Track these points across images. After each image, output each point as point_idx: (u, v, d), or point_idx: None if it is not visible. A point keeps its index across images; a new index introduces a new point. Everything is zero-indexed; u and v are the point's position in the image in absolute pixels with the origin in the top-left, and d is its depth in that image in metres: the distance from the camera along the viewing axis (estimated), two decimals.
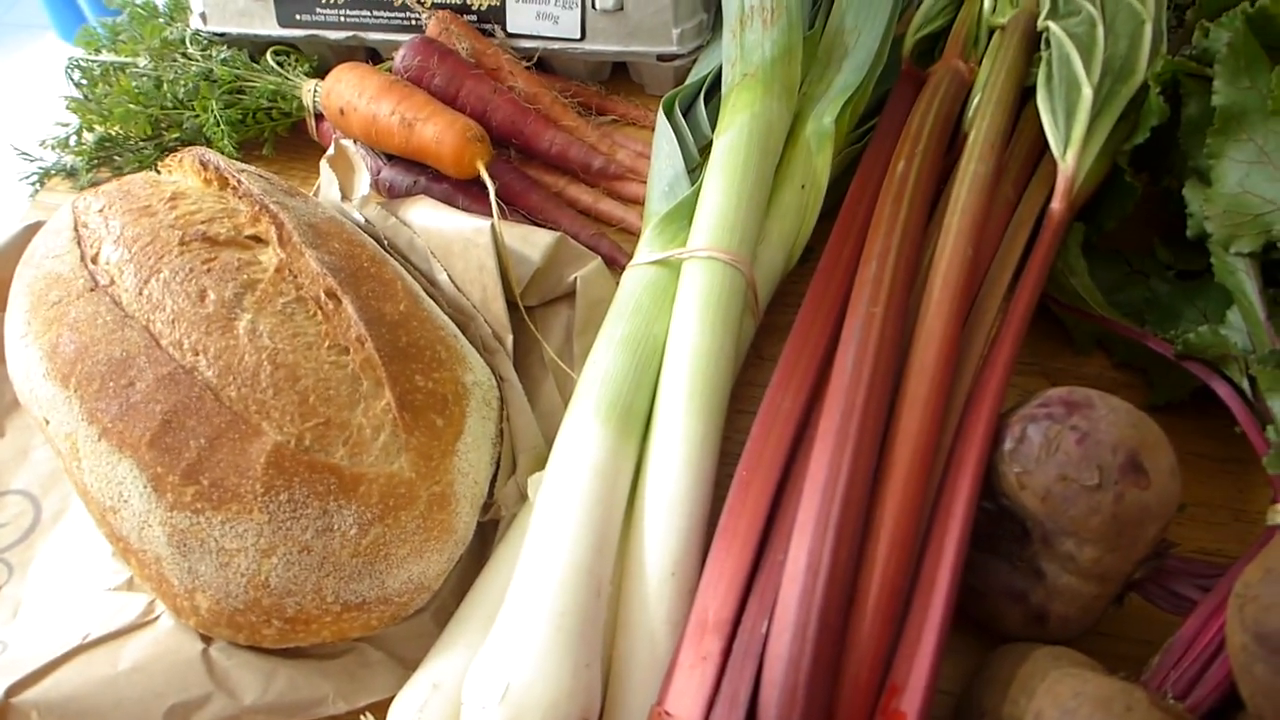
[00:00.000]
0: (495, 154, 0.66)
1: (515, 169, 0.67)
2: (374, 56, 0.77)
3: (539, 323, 0.60)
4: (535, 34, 0.71)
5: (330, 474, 0.44)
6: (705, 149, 0.59)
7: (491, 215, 0.57)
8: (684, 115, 0.62)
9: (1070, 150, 0.50)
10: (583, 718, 0.40)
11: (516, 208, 0.66)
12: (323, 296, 0.48)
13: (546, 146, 0.67)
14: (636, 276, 0.54)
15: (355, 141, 0.65)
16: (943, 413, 0.44)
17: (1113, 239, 0.60)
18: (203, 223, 0.51)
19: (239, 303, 0.47)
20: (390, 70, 0.68)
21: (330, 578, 0.44)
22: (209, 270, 0.48)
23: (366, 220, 0.60)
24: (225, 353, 0.45)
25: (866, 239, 0.49)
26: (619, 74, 0.77)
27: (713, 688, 0.39)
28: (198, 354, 0.45)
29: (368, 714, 0.44)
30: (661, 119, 0.60)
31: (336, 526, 0.44)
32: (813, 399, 0.46)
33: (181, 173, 0.58)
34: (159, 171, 0.59)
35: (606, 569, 0.44)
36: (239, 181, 0.54)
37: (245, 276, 0.48)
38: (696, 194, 0.55)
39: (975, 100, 0.56)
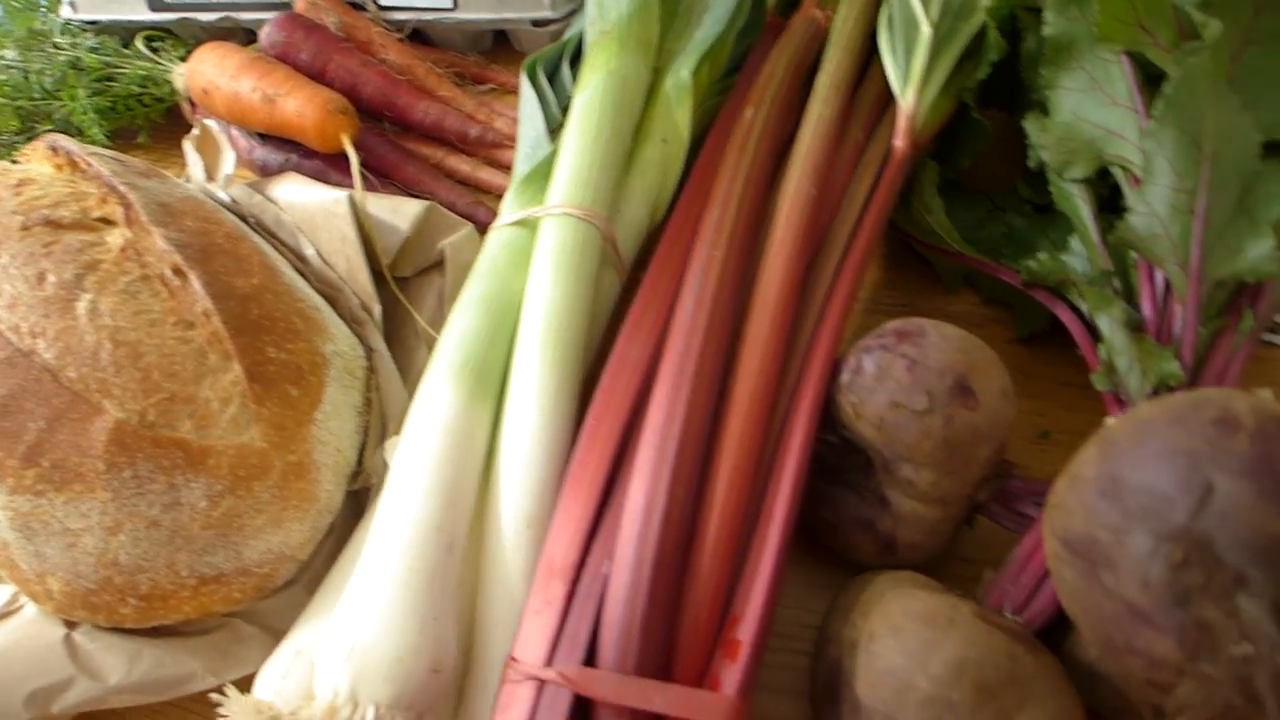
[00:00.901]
0: (368, 127, 0.65)
1: (389, 141, 0.66)
2: (252, 38, 0.76)
3: (413, 292, 0.59)
4: (407, 5, 0.71)
5: (176, 448, 0.44)
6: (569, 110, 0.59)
7: (366, 189, 0.57)
8: (550, 78, 0.62)
9: (909, 88, 0.50)
10: (432, 669, 0.41)
11: (392, 180, 0.65)
12: (169, 273, 0.48)
13: (420, 117, 0.66)
14: (497, 238, 0.53)
15: (222, 122, 0.64)
16: (783, 350, 0.45)
17: (980, 179, 0.61)
18: (47, 207, 0.50)
19: (79, 283, 0.46)
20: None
21: (182, 552, 0.44)
22: (49, 253, 0.47)
23: (232, 199, 0.59)
24: (64, 334, 0.45)
25: (713, 186, 0.49)
26: (502, 43, 0.77)
27: (556, 631, 0.40)
28: (36, 337, 0.45)
29: (229, 686, 0.44)
30: (524, 82, 0.60)
31: (185, 500, 0.43)
32: (660, 345, 0.46)
33: (37, 160, 0.57)
34: (16, 162, 0.58)
35: (459, 525, 0.44)
36: (89, 164, 0.53)
37: (87, 257, 0.48)
38: (555, 154, 0.55)
39: (828, 47, 0.56)
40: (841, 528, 0.46)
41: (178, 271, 0.48)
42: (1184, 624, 0.31)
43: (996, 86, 0.55)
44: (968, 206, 0.58)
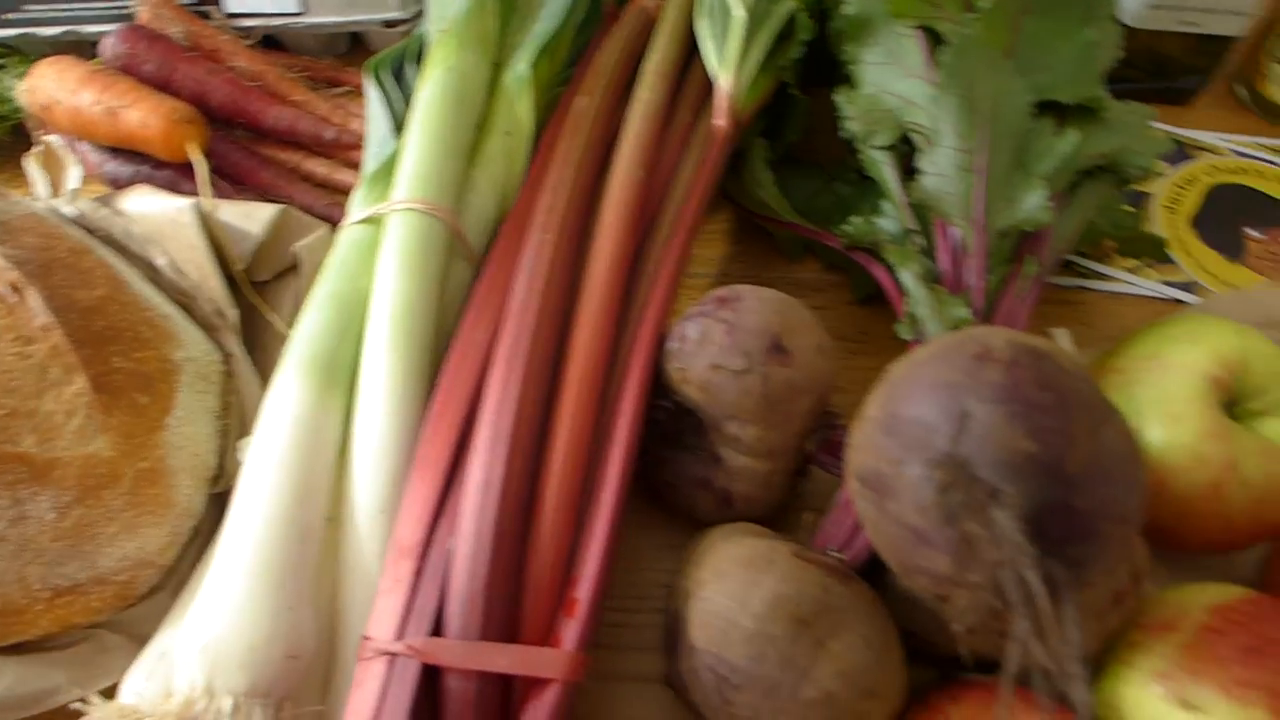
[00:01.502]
0: (220, 135, 0.66)
1: (243, 148, 0.66)
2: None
3: (273, 295, 0.60)
4: (254, 11, 0.71)
5: (19, 463, 0.44)
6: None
7: (217, 197, 0.58)
8: (397, 77, 0.63)
9: (726, 70, 0.53)
10: (289, 656, 0.42)
11: (247, 186, 0.66)
12: (6, 290, 0.48)
13: (273, 123, 0.67)
14: (346, 237, 0.55)
15: (68, 137, 0.63)
16: (614, 325, 0.47)
17: (816, 153, 0.64)
18: None
19: None
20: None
21: (33, 565, 0.44)
22: None
23: (79, 214, 0.59)
24: None
25: (547, 174, 0.52)
26: (359, 46, 0.78)
27: (405, 607, 0.41)
28: None
29: (95, 696, 0.44)
30: (367, 82, 0.61)
31: (31, 513, 0.44)
32: (500, 329, 0.48)
33: None
34: None
35: (312, 515, 0.45)
36: None
37: None
38: (399, 151, 0.56)
39: (655, 35, 0.58)
40: (683, 488, 0.48)
41: (15, 288, 0.48)
42: (953, 540, 0.34)
43: (821, 65, 0.58)
44: (803, 179, 0.61)
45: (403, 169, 0.54)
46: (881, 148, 0.50)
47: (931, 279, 0.46)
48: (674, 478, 0.48)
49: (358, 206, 0.56)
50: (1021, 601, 0.31)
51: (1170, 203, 0.66)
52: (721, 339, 0.44)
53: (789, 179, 0.59)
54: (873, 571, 0.43)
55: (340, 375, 0.50)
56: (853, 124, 0.51)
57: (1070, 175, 0.46)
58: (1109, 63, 0.51)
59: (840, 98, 0.53)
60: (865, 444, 0.37)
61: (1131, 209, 0.62)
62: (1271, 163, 0.68)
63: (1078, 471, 0.33)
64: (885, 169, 0.50)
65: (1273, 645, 0.40)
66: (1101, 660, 0.44)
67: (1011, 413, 0.33)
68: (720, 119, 0.53)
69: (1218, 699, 0.39)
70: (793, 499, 0.50)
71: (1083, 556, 0.33)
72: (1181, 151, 0.68)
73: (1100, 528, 0.33)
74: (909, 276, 0.46)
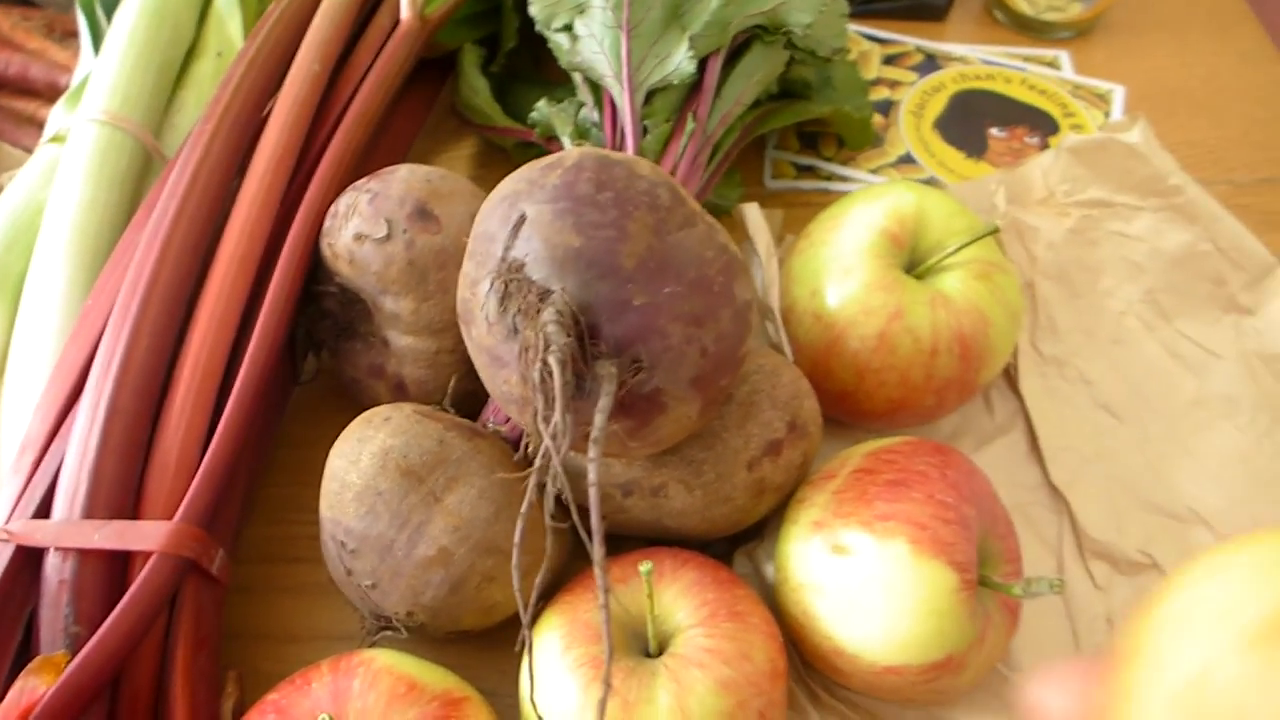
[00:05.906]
0: None
1: None
2: None
3: None
4: None
5: None
6: None
7: None
8: (113, 8, 0.62)
9: None
10: None
11: None
12: None
13: (3, 68, 0.65)
14: (35, 156, 0.53)
15: None
16: (275, 211, 0.45)
17: (554, 75, 0.63)
18: None
19: None
20: None
21: None
22: None
23: None
24: None
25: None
26: None
27: (17, 496, 0.39)
28: None
29: None
30: (80, 13, 0.60)
31: None
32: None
33: None
34: None
35: None
36: None
37: None
38: (93, 70, 0.54)
39: None
40: (362, 381, 0.46)
41: None
42: (518, 353, 0.32)
43: None
44: (529, 93, 0.60)
45: (90, 85, 0.53)
46: (560, 29, 0.49)
47: (598, 145, 0.45)
48: (355, 371, 0.46)
49: (50, 127, 0.54)
50: (541, 393, 0.29)
51: (916, 108, 0.66)
52: (365, 209, 0.43)
53: (515, 94, 0.59)
54: None
55: (6, 283, 0.47)
56: (534, 9, 0.50)
57: (728, 34, 0.46)
58: None
59: None
60: (461, 277, 0.36)
61: (867, 107, 0.62)
62: (1019, 69, 0.68)
63: (634, 267, 0.31)
64: (564, 51, 0.49)
65: (915, 476, 0.39)
66: (779, 524, 0.43)
67: (559, 210, 0.32)
68: (406, 11, 0.52)
69: (863, 537, 0.38)
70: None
71: (645, 356, 0.32)
72: (933, 63, 0.69)
73: (662, 326, 0.32)
74: (568, 143, 0.45)
